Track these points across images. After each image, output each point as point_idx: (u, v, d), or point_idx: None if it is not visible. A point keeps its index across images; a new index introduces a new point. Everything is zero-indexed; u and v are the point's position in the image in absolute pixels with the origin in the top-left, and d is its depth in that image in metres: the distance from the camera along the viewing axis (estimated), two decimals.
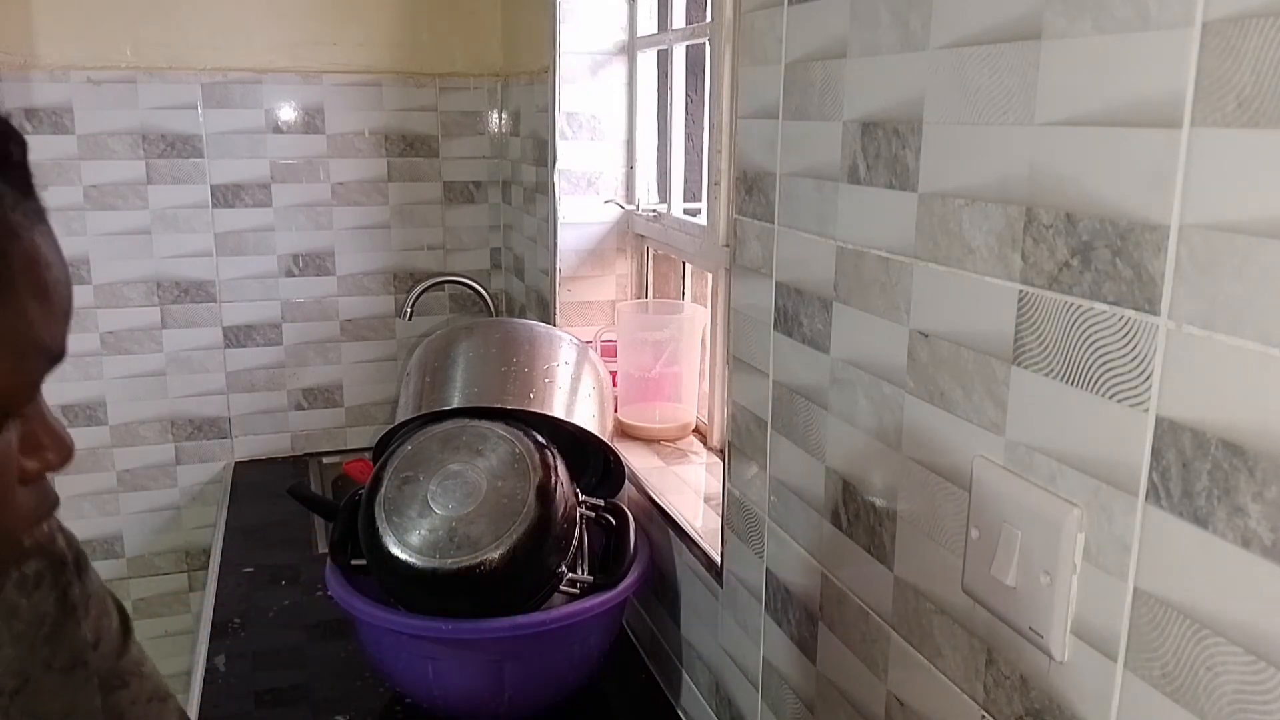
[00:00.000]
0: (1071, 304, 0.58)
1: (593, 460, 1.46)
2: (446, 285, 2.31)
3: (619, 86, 1.83)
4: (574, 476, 1.27)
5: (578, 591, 1.23)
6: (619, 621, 1.35)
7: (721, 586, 1.18)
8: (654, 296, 1.87)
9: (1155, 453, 0.53)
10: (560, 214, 1.84)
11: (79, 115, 2.04)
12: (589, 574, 1.24)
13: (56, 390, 2.10)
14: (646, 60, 1.80)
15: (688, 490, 1.44)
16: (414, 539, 1.15)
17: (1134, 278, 0.54)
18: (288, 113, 2.19)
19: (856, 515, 0.85)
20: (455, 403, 1.30)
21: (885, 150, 0.76)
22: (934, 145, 0.71)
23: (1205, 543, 0.50)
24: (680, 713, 1.36)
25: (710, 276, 1.63)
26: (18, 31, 2.00)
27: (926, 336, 0.73)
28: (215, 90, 2.13)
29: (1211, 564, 0.50)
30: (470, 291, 2.30)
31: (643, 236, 1.83)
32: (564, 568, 1.20)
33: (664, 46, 1.71)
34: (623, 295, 1.90)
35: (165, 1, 2.07)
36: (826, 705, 0.93)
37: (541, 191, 1.98)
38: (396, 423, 1.36)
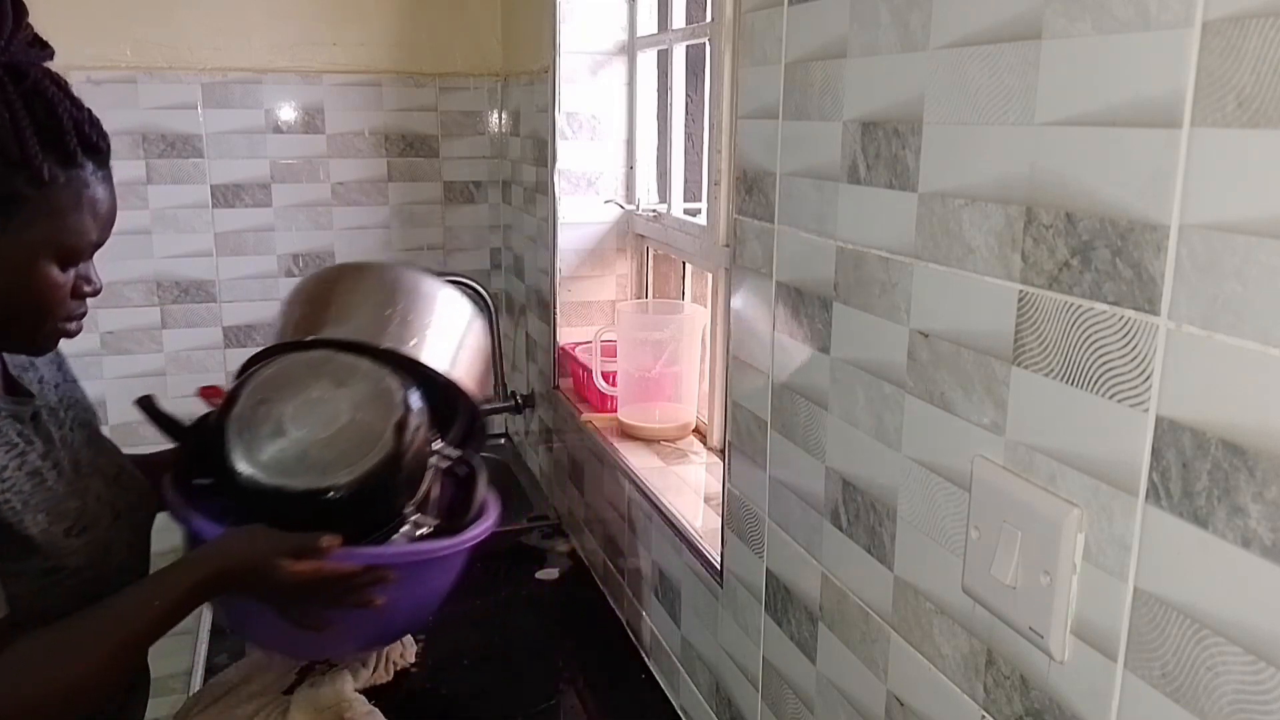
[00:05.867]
0: (1071, 304, 0.58)
1: (462, 425, 1.37)
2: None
3: (619, 86, 1.83)
4: (440, 432, 1.23)
5: (419, 538, 1.19)
6: (457, 573, 1.28)
7: (721, 586, 1.18)
8: (654, 296, 1.87)
9: (1155, 453, 0.53)
10: (560, 214, 1.84)
11: None
12: (435, 523, 1.20)
13: None
14: (646, 60, 1.80)
15: (688, 490, 1.44)
16: (263, 456, 1.10)
17: (1134, 278, 0.54)
18: (288, 113, 2.19)
19: (856, 515, 0.85)
20: (329, 334, 1.21)
21: (885, 150, 0.76)
22: (934, 145, 0.71)
23: (1205, 543, 0.50)
24: (680, 713, 1.36)
25: (710, 276, 1.63)
26: None
27: (926, 336, 0.73)
28: (215, 90, 2.13)
29: (1211, 564, 0.50)
30: (470, 291, 2.29)
31: (643, 236, 1.83)
32: (411, 508, 1.17)
33: (664, 46, 1.71)
34: (623, 295, 1.90)
35: (165, 1, 2.07)
36: (826, 705, 0.93)
37: (541, 191, 1.98)
38: (264, 348, 1.25)
